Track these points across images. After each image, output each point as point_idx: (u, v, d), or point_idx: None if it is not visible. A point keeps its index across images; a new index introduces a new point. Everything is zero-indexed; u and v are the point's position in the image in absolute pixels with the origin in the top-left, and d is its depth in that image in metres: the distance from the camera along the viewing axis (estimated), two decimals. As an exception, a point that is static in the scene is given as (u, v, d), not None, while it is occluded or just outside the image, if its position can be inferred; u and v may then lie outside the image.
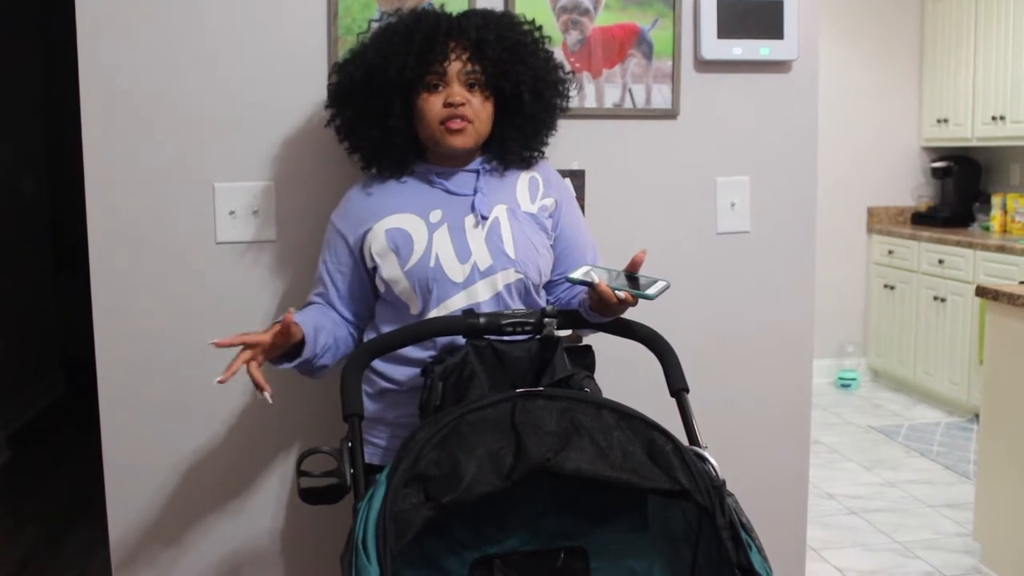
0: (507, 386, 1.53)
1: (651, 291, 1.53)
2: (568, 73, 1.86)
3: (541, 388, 1.44)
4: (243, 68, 1.96)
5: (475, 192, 1.74)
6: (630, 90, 2.16)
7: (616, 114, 2.16)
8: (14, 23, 5.08)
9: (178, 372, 1.99)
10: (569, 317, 1.69)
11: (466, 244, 1.70)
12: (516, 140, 1.77)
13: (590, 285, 1.57)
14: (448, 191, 1.75)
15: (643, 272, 1.58)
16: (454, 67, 1.68)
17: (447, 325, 1.62)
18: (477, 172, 1.76)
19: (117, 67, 1.91)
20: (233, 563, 2.07)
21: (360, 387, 1.54)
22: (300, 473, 1.48)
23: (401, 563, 1.41)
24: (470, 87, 1.70)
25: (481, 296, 1.69)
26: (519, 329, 1.60)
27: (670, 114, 2.19)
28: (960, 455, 4.56)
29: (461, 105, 1.68)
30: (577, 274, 1.59)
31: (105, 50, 1.90)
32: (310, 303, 1.81)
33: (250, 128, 1.98)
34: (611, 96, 2.15)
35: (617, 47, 2.14)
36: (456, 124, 1.68)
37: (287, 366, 1.65)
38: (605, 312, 1.61)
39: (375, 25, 1.97)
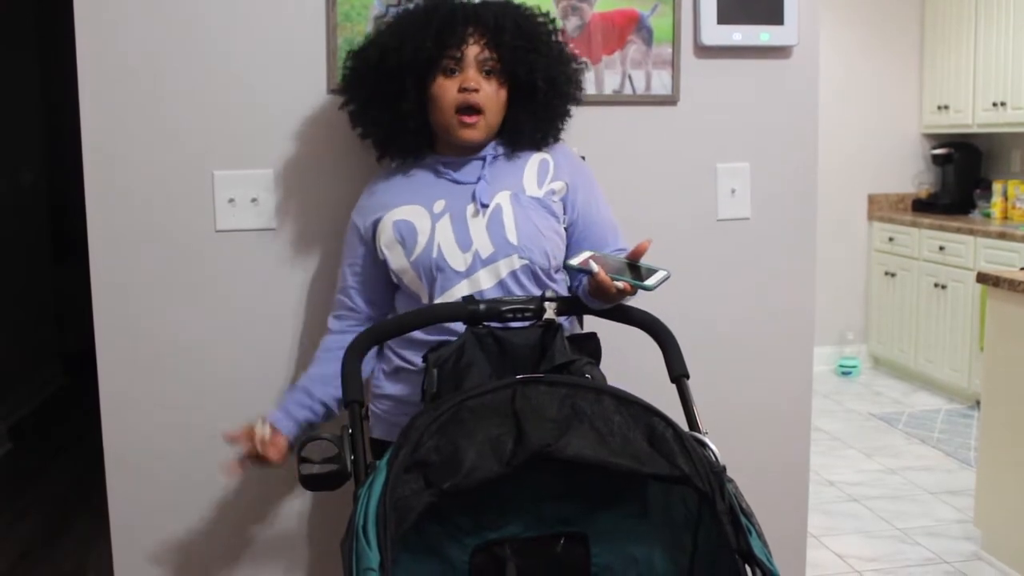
0: (508, 372, 1.52)
1: (650, 282, 1.53)
2: (581, 64, 1.85)
3: (541, 374, 1.44)
4: (241, 56, 1.96)
5: (478, 180, 1.73)
6: (630, 76, 2.15)
7: (616, 100, 2.15)
8: (11, 14, 5.06)
9: (179, 362, 1.99)
10: (569, 303, 1.68)
11: (467, 233, 1.70)
12: (529, 123, 1.77)
13: (588, 273, 1.57)
14: (454, 180, 1.75)
15: (644, 260, 1.58)
16: (471, 51, 1.68)
17: (447, 312, 1.62)
18: (484, 159, 1.76)
19: (115, 55, 1.90)
20: (234, 551, 2.07)
21: (360, 373, 1.54)
22: (301, 459, 1.48)
23: (401, 549, 1.41)
24: (486, 74, 1.70)
25: (484, 284, 1.68)
26: (519, 315, 1.59)
27: (670, 100, 2.18)
28: (961, 442, 4.57)
29: (475, 91, 1.68)
30: (576, 260, 1.59)
31: (103, 38, 1.89)
32: (328, 331, 1.84)
33: (249, 116, 1.97)
34: (611, 82, 2.14)
35: (617, 33, 2.13)
36: (470, 119, 1.69)
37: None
38: (604, 300, 1.61)
39: (375, 10, 1.96)
